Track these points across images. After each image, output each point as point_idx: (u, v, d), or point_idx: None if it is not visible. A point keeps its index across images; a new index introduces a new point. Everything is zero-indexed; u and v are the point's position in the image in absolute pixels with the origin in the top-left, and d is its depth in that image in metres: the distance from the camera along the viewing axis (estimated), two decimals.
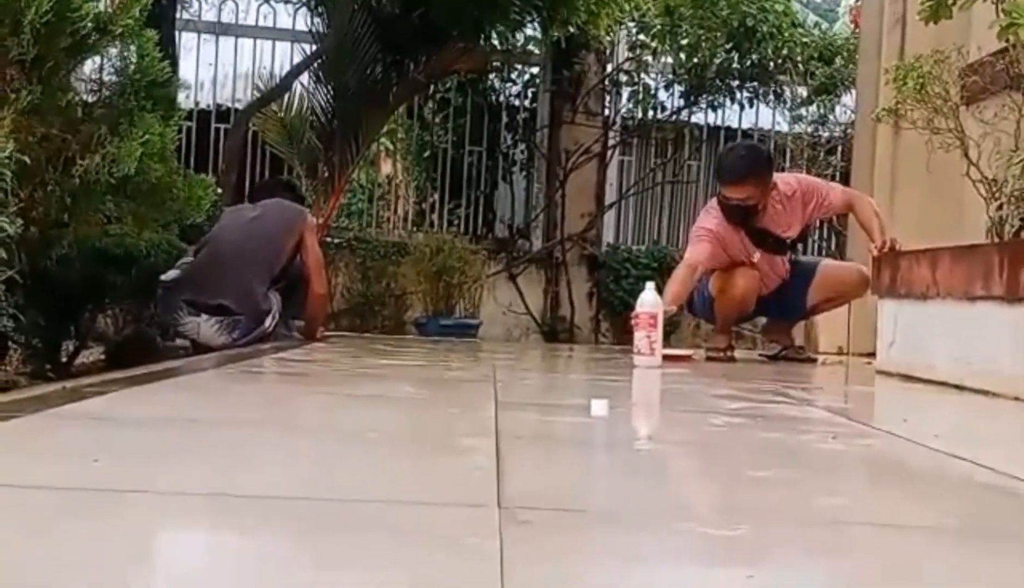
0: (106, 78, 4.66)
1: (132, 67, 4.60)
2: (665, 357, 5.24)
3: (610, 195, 9.62)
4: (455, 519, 1.48)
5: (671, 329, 8.86)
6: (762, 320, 6.30)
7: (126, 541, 1.30)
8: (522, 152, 9.88)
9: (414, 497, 1.60)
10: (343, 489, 1.66)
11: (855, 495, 1.84)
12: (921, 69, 4.70)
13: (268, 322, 5.41)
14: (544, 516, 1.51)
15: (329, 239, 8.49)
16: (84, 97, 4.62)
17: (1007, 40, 4.00)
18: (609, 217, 9.68)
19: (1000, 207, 4.24)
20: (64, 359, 5.45)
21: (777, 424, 2.78)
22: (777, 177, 5.62)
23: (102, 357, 5.92)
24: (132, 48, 4.61)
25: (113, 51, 4.59)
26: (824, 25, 11.83)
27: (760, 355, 5.80)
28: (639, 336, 4.80)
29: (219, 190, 6.19)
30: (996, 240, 4.18)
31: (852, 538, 1.49)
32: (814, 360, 5.79)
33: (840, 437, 2.46)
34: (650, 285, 4.97)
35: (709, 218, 5.51)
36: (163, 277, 5.38)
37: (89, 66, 4.68)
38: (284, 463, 1.92)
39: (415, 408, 2.96)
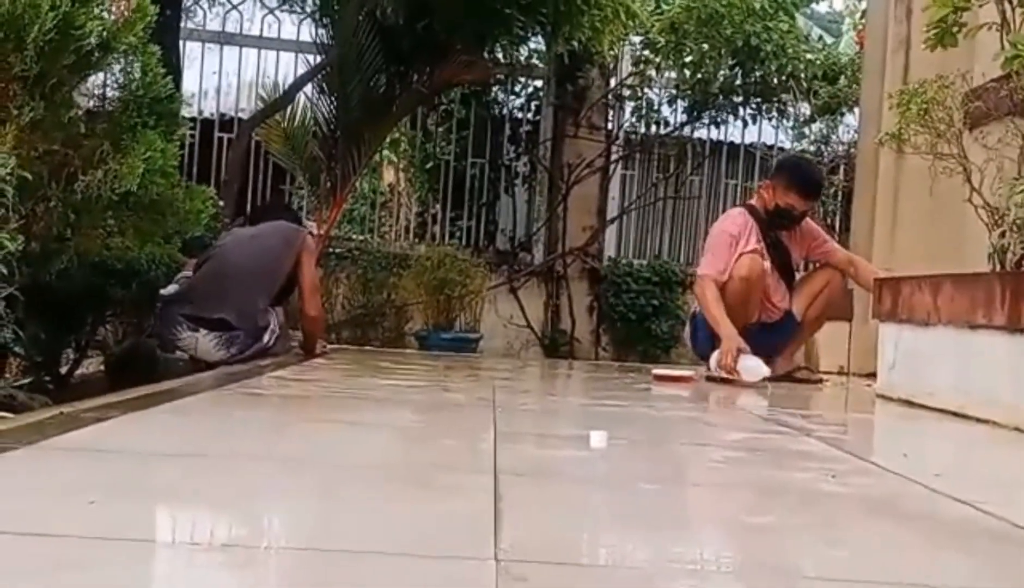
0: (109, 94, 4.67)
1: (135, 83, 4.60)
2: (663, 378, 5.25)
3: (612, 209, 9.61)
4: (452, 574, 1.47)
5: (670, 344, 8.94)
6: None
7: None
8: (525, 165, 9.89)
9: (412, 547, 1.59)
10: (341, 537, 1.65)
11: (856, 546, 1.83)
12: (925, 95, 4.70)
13: (267, 338, 5.41)
14: (539, 571, 1.50)
15: (331, 249, 8.49)
16: (88, 106, 4.63)
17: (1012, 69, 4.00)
18: (611, 231, 9.68)
19: (1002, 235, 4.22)
20: (64, 371, 5.45)
21: (776, 460, 2.77)
22: None
23: (101, 368, 5.93)
24: (136, 64, 4.61)
25: (117, 67, 4.59)
26: (829, 39, 11.84)
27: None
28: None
29: (220, 202, 6.20)
30: (998, 267, 4.17)
31: None
32: (819, 381, 5.78)
33: (839, 476, 2.45)
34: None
35: (732, 224, 5.64)
36: (162, 291, 5.39)
37: (92, 81, 4.68)
38: (281, 506, 1.91)
39: (414, 439, 2.95)
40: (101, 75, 4.65)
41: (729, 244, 5.50)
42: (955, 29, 4.38)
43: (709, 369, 5.39)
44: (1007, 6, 4.14)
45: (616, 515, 2.02)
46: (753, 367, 5.24)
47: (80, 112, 4.48)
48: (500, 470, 2.24)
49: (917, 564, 1.71)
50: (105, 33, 4.19)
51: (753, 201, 5.82)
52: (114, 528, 1.60)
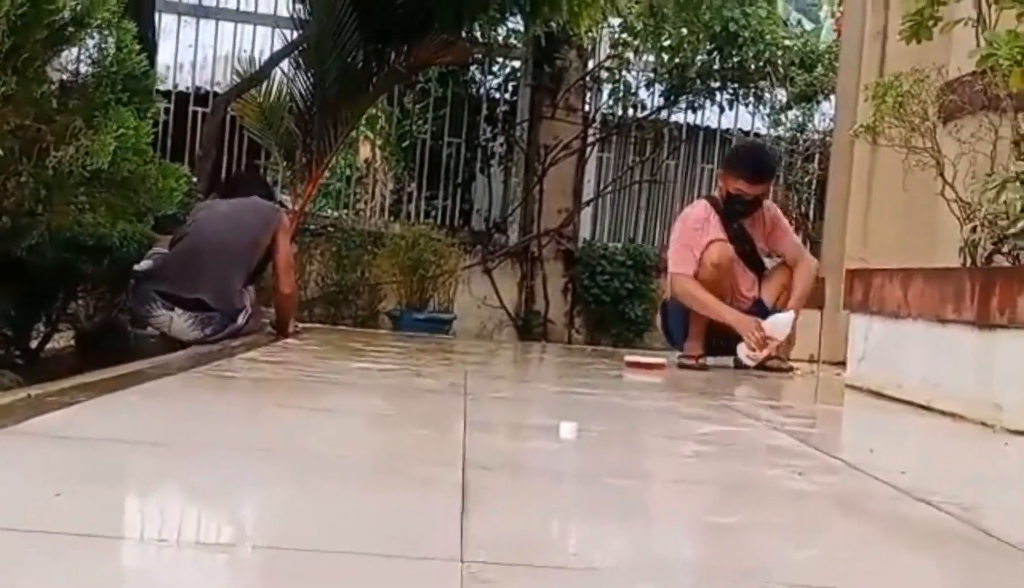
0: (83, 69, 4.62)
1: (109, 59, 4.56)
2: (636, 365, 5.27)
3: (588, 192, 9.63)
4: (417, 576, 1.48)
5: (644, 327, 8.96)
6: None
7: None
8: (501, 145, 9.88)
9: (376, 547, 1.59)
10: (304, 535, 1.64)
11: (819, 549, 1.85)
12: (900, 87, 4.71)
13: (241, 319, 5.39)
14: (505, 574, 1.50)
15: (305, 226, 8.46)
16: (61, 78, 4.59)
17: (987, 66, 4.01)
18: (586, 213, 9.71)
19: (973, 230, 4.25)
20: (34, 345, 5.42)
21: (744, 455, 2.79)
22: None
23: (72, 343, 5.89)
24: (110, 40, 4.57)
25: (91, 42, 4.55)
26: (808, 24, 11.85)
27: (735, 362, 5.81)
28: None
29: (194, 179, 6.17)
30: (969, 261, 4.20)
31: None
32: (789, 370, 5.80)
33: (806, 473, 2.47)
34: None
35: (695, 219, 5.61)
36: (136, 267, 5.35)
37: (66, 56, 4.64)
38: (245, 500, 1.91)
39: (383, 429, 2.95)
40: (75, 50, 4.61)
41: (694, 238, 5.50)
42: (931, 22, 4.39)
43: (739, 364, 5.46)
44: (983, 2, 4.15)
45: (584, 513, 2.03)
46: (782, 320, 5.40)
47: (53, 86, 4.44)
48: (469, 463, 2.24)
49: (878, 569, 1.73)
50: (79, 7, 4.15)
51: (715, 192, 5.83)
52: (78, 523, 1.60)
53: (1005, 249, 4.05)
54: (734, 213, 5.60)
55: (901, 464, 2.75)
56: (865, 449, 3.08)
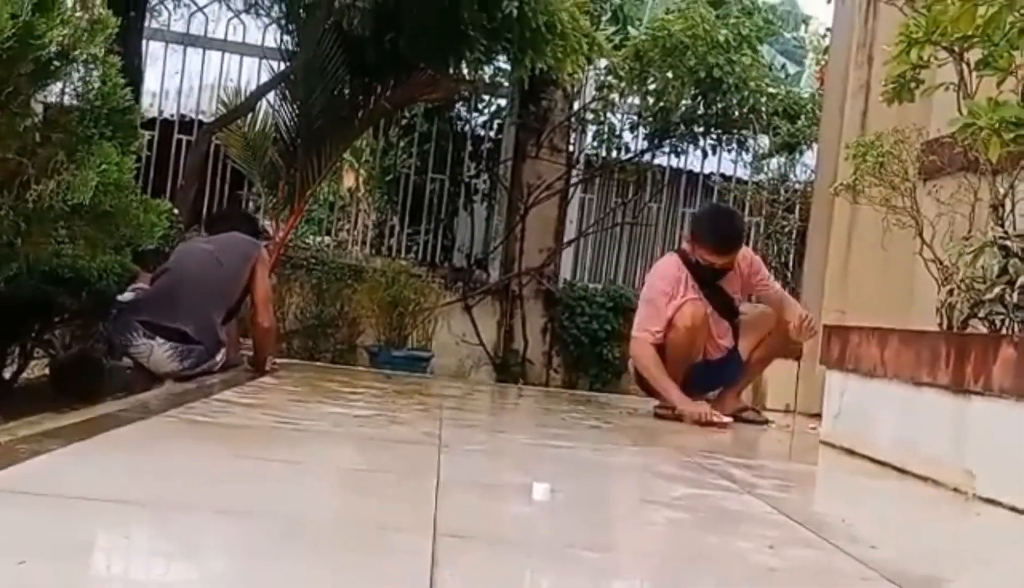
0: (66, 102, 4.61)
1: (94, 93, 4.55)
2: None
3: (570, 232, 9.65)
4: None
5: (621, 369, 8.94)
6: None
7: None
8: (484, 183, 9.90)
9: None
10: None
11: None
12: (880, 147, 4.74)
13: (219, 356, 5.38)
14: None
15: (286, 257, 8.44)
16: (43, 103, 4.58)
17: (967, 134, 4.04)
18: (567, 254, 9.72)
19: (951, 292, 4.26)
20: (8, 376, 5.37)
21: (716, 523, 2.79)
22: None
23: (47, 372, 5.85)
24: (95, 74, 4.57)
25: (76, 76, 4.54)
26: (792, 68, 11.93)
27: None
28: None
29: (175, 211, 6.15)
30: (945, 324, 4.21)
31: None
32: (765, 422, 5.80)
33: (776, 546, 2.46)
34: None
35: (668, 280, 5.57)
36: (119, 297, 5.33)
37: (50, 89, 4.63)
38: (203, 570, 1.89)
39: (353, 486, 2.93)
40: (59, 84, 4.60)
41: (663, 300, 5.47)
42: (913, 85, 4.42)
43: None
44: (964, 68, 4.19)
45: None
46: None
47: (37, 119, 4.44)
48: (439, 530, 2.23)
49: None
50: (65, 41, 4.15)
51: (685, 246, 5.78)
52: None
53: (981, 314, 4.07)
54: (708, 278, 5.56)
55: (873, 536, 2.75)
56: (838, 518, 3.08)
